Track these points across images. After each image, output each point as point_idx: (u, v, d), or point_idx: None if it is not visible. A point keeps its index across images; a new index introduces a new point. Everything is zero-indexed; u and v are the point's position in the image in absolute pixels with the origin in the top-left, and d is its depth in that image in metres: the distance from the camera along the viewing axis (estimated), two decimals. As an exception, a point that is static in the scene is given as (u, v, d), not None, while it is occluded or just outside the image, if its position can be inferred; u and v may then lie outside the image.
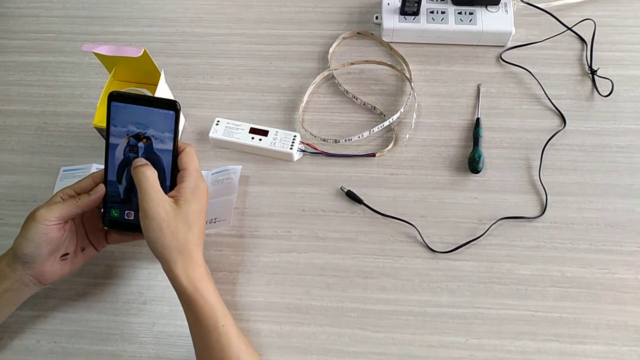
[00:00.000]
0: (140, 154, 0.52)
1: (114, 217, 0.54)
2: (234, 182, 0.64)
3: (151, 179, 0.50)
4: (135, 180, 0.50)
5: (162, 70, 0.64)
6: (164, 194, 0.50)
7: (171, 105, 0.51)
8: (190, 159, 0.53)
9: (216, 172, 0.65)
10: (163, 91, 0.64)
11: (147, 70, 0.62)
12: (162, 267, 0.51)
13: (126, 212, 0.54)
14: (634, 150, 0.66)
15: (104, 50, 0.59)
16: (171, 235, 0.49)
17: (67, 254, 0.54)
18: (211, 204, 0.62)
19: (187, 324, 0.57)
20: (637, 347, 0.55)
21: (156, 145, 0.52)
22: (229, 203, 0.62)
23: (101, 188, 0.52)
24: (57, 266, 0.53)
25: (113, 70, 0.64)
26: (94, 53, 0.60)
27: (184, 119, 0.70)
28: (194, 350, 0.52)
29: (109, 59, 0.62)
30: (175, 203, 0.51)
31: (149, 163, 0.51)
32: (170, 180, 0.53)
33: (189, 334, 0.57)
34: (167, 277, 0.51)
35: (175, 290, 0.51)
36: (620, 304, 0.57)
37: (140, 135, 0.52)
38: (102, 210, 0.54)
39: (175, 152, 0.53)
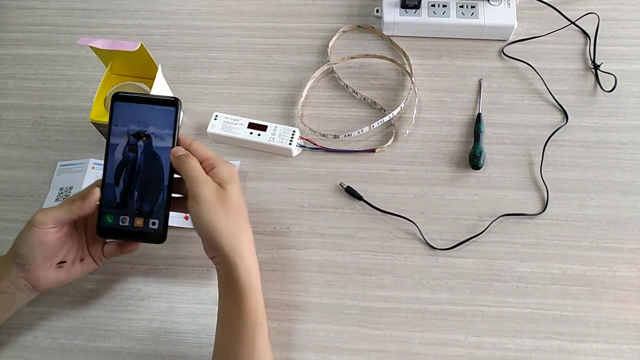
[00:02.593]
0: (139, 153, 0.51)
1: (107, 224, 0.51)
2: None
3: (196, 165, 0.49)
4: (181, 169, 0.49)
5: (160, 65, 0.63)
6: (211, 179, 0.49)
7: (172, 102, 0.51)
8: (205, 149, 0.52)
9: (214, 168, 0.64)
10: (160, 85, 0.63)
11: (144, 64, 0.62)
12: (218, 254, 0.49)
13: (121, 217, 0.51)
14: (636, 147, 0.65)
15: (100, 44, 0.58)
16: (230, 219, 0.49)
17: (64, 261, 0.52)
18: None
19: (187, 320, 0.57)
20: (638, 345, 0.55)
21: (155, 143, 0.51)
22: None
23: (95, 192, 0.50)
24: (53, 273, 0.52)
25: (110, 65, 0.64)
26: (91, 47, 0.59)
27: (182, 114, 0.69)
28: (193, 347, 0.52)
29: (105, 52, 0.61)
30: (221, 187, 0.50)
31: (188, 152, 0.50)
32: (169, 178, 0.51)
33: (187, 331, 0.57)
34: (212, 264, 0.50)
35: (225, 278, 0.50)
36: (621, 302, 0.57)
37: (140, 133, 0.51)
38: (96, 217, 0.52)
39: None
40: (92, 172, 0.64)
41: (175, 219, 0.60)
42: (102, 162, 0.60)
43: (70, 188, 0.64)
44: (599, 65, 0.70)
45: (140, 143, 0.51)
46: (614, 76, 0.68)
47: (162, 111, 0.51)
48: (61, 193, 0.63)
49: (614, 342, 0.55)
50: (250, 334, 0.49)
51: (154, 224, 0.51)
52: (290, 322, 0.57)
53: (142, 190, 0.51)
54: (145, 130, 0.51)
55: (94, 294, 0.59)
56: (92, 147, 0.68)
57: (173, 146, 0.51)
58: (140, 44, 0.57)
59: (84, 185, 0.62)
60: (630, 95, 0.68)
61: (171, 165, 0.51)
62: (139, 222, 0.51)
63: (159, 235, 0.51)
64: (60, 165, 0.66)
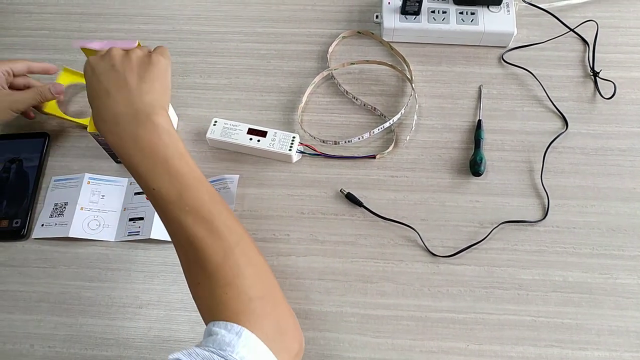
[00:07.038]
0: (11, 173, 0.65)
1: None
2: (232, 192, 0.62)
3: None
4: None
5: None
6: None
7: (41, 135, 0.68)
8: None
9: (212, 181, 0.64)
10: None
11: None
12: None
13: None
14: (636, 154, 0.65)
15: (97, 45, 0.56)
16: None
17: None
18: None
19: (185, 328, 0.57)
20: (639, 353, 0.54)
21: (26, 164, 0.65)
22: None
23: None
24: None
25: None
26: (83, 50, 0.57)
27: (177, 118, 0.69)
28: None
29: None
30: None
31: None
32: (33, 188, 0.64)
33: (185, 339, 0.57)
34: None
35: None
36: (622, 309, 0.57)
37: (15, 159, 0.66)
38: None
39: (40, 167, 0.66)
40: (88, 187, 0.63)
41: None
42: (99, 176, 0.65)
43: (65, 204, 0.63)
44: (598, 73, 0.70)
45: (13, 166, 0.65)
46: (613, 83, 0.68)
47: (32, 142, 0.67)
48: (56, 209, 0.63)
49: (616, 350, 0.55)
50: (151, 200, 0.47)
51: (16, 223, 0.62)
52: (291, 330, 0.56)
53: (9, 199, 0.63)
54: (18, 156, 0.66)
55: (91, 302, 0.58)
56: (89, 152, 0.67)
57: (40, 165, 0.65)
58: (137, 42, 0.56)
59: (80, 201, 0.62)
60: (629, 102, 0.69)
61: (37, 176, 0.65)
62: (4, 223, 0.62)
63: (20, 231, 0.61)
64: (55, 180, 0.65)
